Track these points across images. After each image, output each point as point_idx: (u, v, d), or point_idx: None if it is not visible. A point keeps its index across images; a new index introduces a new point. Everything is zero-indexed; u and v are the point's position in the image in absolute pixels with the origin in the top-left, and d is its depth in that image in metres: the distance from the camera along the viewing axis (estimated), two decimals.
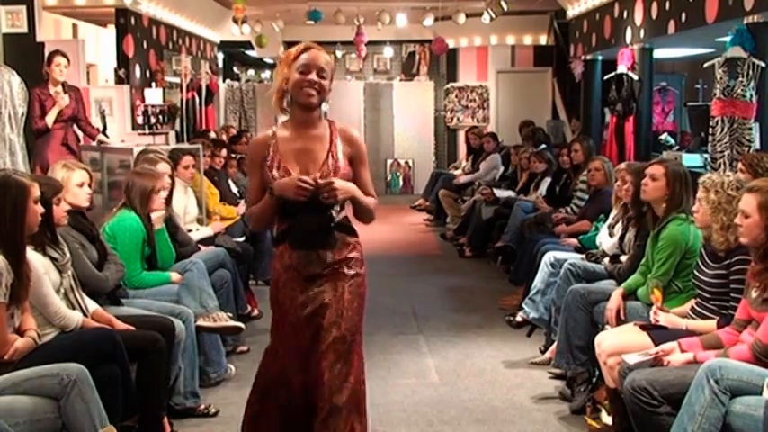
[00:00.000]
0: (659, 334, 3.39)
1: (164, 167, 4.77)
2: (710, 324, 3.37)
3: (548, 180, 7.34)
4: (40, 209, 3.19)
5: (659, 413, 2.92)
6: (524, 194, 7.74)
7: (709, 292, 3.44)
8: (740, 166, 4.61)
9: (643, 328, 3.49)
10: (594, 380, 4.16)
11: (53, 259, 3.40)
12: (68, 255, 3.51)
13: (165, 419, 3.72)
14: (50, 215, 3.40)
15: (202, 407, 4.10)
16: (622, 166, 4.84)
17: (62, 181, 3.77)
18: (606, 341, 3.56)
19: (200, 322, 4.23)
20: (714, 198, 3.39)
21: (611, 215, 4.93)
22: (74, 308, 3.45)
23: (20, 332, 3.14)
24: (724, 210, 3.35)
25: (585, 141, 6.84)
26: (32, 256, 3.25)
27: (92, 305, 3.62)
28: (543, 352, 4.84)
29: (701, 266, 3.52)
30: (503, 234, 7.16)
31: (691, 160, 6.74)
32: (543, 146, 8.58)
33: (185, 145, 7.22)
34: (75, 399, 2.88)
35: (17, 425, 2.77)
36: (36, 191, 3.17)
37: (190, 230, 5.30)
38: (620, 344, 3.45)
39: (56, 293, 3.36)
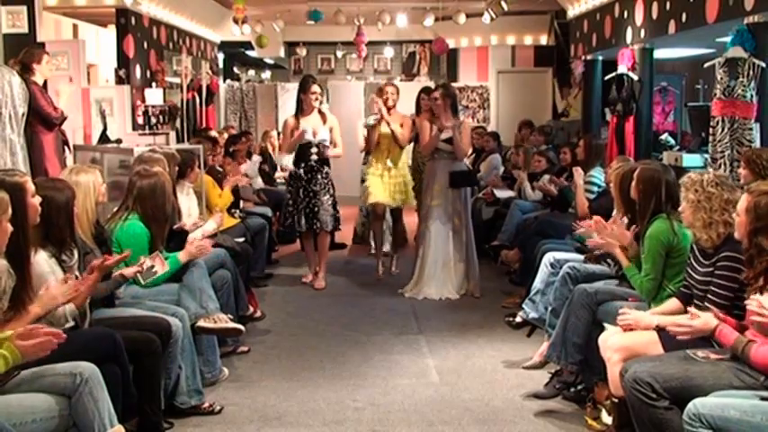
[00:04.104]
0: (667, 333, 3.38)
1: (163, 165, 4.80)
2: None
3: (546, 177, 7.32)
4: (38, 200, 3.20)
5: (657, 407, 2.94)
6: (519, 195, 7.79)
7: (702, 290, 3.44)
8: (741, 162, 4.62)
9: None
10: (580, 387, 4.21)
11: (60, 261, 3.40)
12: (76, 257, 3.52)
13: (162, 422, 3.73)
14: (72, 218, 3.44)
15: (206, 405, 4.11)
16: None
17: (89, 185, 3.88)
18: (612, 339, 3.56)
19: (201, 323, 4.23)
20: (693, 197, 3.43)
21: (613, 214, 4.92)
22: None
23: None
24: (704, 207, 3.39)
25: (590, 139, 6.81)
26: (38, 256, 3.26)
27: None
28: None
29: (694, 265, 3.53)
30: (499, 233, 7.17)
31: (691, 160, 6.74)
32: (550, 145, 8.58)
33: (186, 145, 7.24)
34: (86, 397, 2.90)
35: (33, 422, 2.80)
36: (30, 185, 3.18)
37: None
38: (626, 342, 3.45)
39: None
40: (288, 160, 6.98)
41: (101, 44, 10.63)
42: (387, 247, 7.83)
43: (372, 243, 7.93)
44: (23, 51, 6.21)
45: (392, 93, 7.16)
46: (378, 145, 7.10)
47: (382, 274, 7.28)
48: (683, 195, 3.49)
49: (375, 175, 7.15)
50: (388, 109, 7.09)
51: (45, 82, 6.30)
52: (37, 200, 3.20)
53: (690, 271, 3.57)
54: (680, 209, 3.58)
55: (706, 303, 3.40)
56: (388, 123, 6.96)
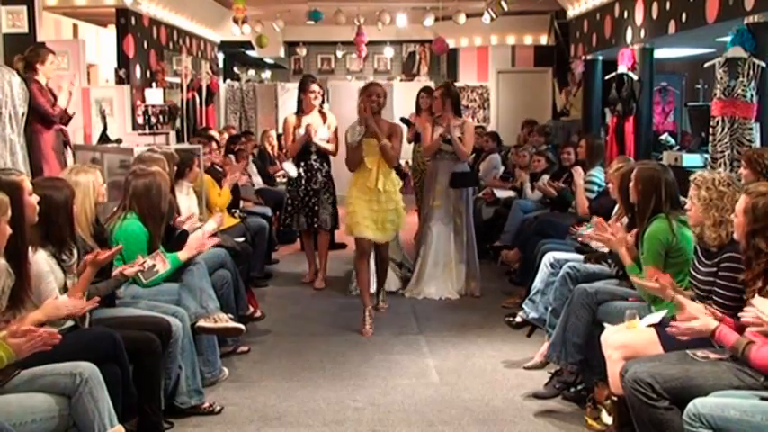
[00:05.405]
0: (667, 333, 3.38)
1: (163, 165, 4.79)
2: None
3: (545, 177, 7.32)
4: (35, 199, 3.20)
5: (657, 407, 2.95)
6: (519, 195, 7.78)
7: (705, 290, 3.44)
8: (742, 162, 4.61)
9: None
10: (580, 387, 4.21)
11: (60, 260, 3.40)
12: (76, 256, 3.52)
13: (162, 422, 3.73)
14: (71, 217, 3.44)
15: (206, 404, 4.11)
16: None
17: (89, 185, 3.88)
18: (612, 336, 3.56)
19: (201, 323, 4.23)
20: (705, 195, 3.41)
21: (613, 213, 4.92)
22: None
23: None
24: (716, 206, 3.38)
25: (592, 139, 6.80)
26: (38, 255, 3.25)
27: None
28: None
29: (696, 265, 3.53)
30: (501, 234, 7.16)
31: (691, 160, 6.75)
32: (549, 145, 8.58)
33: (186, 145, 7.23)
34: (86, 397, 2.91)
35: (33, 422, 2.81)
36: (27, 183, 3.18)
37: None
38: (626, 340, 3.45)
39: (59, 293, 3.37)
40: (291, 169, 6.89)
41: (101, 44, 10.63)
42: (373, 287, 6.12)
43: (355, 283, 6.30)
44: (29, 49, 6.22)
45: (378, 96, 5.67)
46: (362, 164, 5.72)
47: (371, 328, 5.57)
48: (695, 193, 3.46)
49: (361, 200, 5.71)
50: (374, 114, 5.65)
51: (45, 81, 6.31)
52: (34, 198, 3.20)
53: (692, 271, 3.56)
54: (687, 206, 3.57)
55: (709, 303, 3.41)
56: (378, 137, 5.59)
